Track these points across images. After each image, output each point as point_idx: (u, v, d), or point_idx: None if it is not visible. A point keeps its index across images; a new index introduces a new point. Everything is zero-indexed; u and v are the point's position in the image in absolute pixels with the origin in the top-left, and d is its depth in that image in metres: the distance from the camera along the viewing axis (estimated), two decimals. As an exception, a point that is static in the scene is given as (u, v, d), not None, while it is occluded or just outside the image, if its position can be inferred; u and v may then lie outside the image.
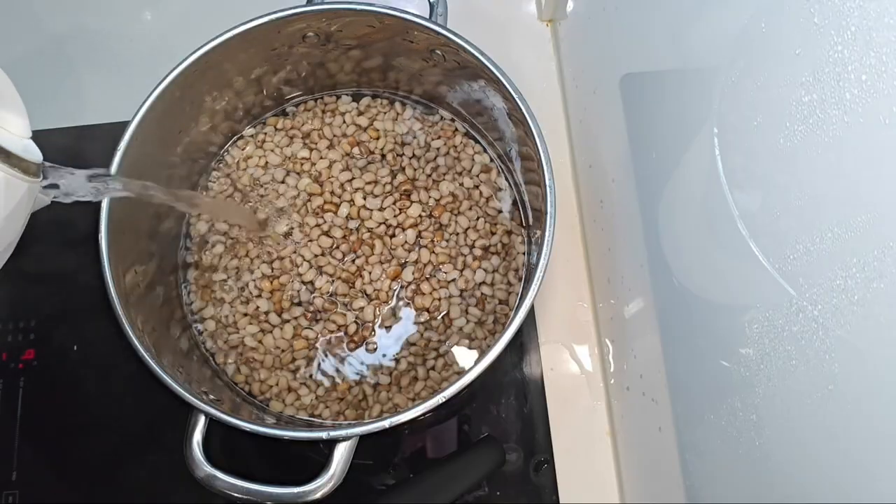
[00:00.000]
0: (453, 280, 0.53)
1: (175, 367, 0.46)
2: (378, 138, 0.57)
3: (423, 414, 0.41)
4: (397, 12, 0.47)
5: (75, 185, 0.37)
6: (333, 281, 0.53)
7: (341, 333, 0.52)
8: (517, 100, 0.46)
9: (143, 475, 0.54)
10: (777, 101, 0.28)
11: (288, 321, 0.52)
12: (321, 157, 0.56)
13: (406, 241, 0.54)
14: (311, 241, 0.54)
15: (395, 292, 0.53)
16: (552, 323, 0.57)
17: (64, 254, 0.57)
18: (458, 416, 0.54)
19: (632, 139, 0.47)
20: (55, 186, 0.36)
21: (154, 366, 0.42)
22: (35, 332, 0.56)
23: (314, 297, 0.53)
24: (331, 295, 0.53)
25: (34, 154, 0.34)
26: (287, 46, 0.51)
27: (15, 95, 0.34)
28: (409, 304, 0.53)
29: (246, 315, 0.53)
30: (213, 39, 0.47)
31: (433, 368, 0.51)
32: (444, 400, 0.41)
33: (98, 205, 0.44)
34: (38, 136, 0.35)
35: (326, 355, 0.52)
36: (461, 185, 0.55)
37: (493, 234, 0.54)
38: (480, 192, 0.55)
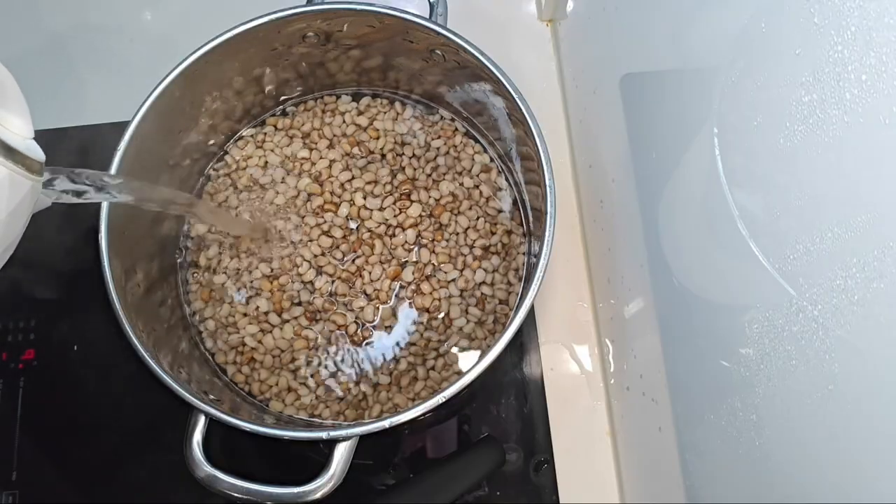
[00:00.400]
0: (453, 280, 0.53)
1: (175, 367, 0.46)
2: (378, 138, 0.57)
3: (423, 414, 0.41)
4: (397, 12, 0.47)
5: (76, 187, 0.37)
6: (333, 281, 0.53)
7: (341, 333, 0.52)
8: (517, 100, 0.46)
9: (143, 475, 0.54)
10: (777, 101, 0.28)
11: (288, 321, 0.52)
12: (321, 157, 0.56)
13: (406, 241, 0.54)
14: (311, 241, 0.54)
15: (395, 292, 0.53)
16: (552, 323, 0.57)
17: (64, 254, 0.57)
18: (458, 416, 0.54)
19: (632, 139, 0.47)
20: (55, 188, 0.36)
21: (154, 366, 0.42)
22: (35, 332, 0.56)
23: (314, 297, 0.53)
24: (331, 295, 0.53)
25: (37, 153, 0.34)
26: (287, 46, 0.51)
27: (19, 95, 0.34)
28: (409, 304, 0.53)
29: (246, 315, 0.53)
30: (213, 39, 0.47)
31: (433, 368, 0.51)
32: (444, 400, 0.41)
33: (98, 205, 0.44)
34: (38, 136, 0.35)
35: (326, 355, 0.52)
36: (461, 184, 0.55)
37: (493, 233, 0.54)
38: (480, 192, 0.55)
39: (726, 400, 0.35)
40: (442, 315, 0.53)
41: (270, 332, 0.52)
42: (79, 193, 0.37)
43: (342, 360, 0.52)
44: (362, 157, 0.56)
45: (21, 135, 0.34)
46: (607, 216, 0.54)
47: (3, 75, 0.33)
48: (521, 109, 0.46)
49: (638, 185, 0.47)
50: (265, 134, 0.57)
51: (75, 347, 0.56)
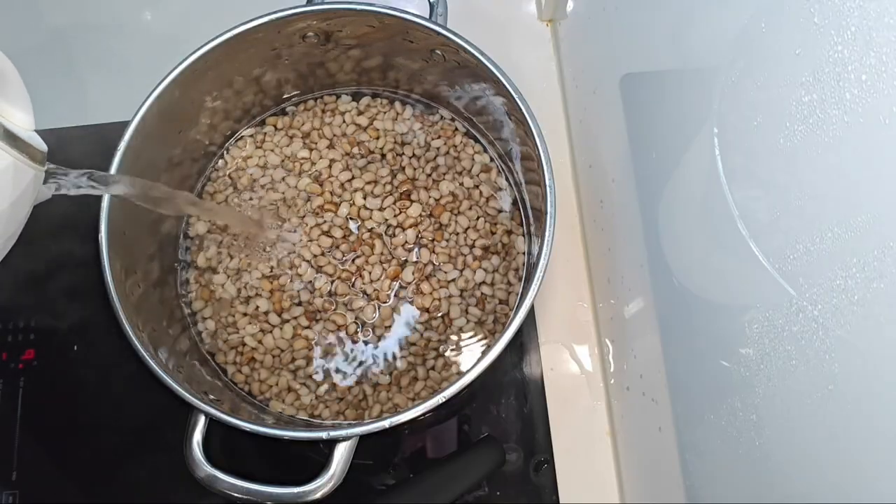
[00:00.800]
0: (453, 280, 0.53)
1: (175, 367, 0.46)
2: (378, 138, 0.57)
3: (423, 414, 0.41)
4: (397, 12, 0.47)
5: (75, 181, 0.37)
6: (333, 281, 0.53)
7: (341, 333, 0.52)
8: (517, 100, 0.46)
9: (143, 475, 0.54)
10: (777, 101, 0.28)
11: (288, 321, 0.52)
12: (321, 157, 0.56)
13: (406, 241, 0.54)
14: (311, 241, 0.54)
15: (395, 292, 0.53)
16: (552, 323, 0.57)
17: (64, 254, 0.57)
18: (458, 416, 0.54)
19: (632, 139, 0.47)
20: (56, 180, 0.36)
21: (154, 366, 0.42)
22: (35, 332, 0.56)
23: (314, 297, 0.53)
24: (331, 295, 0.53)
25: (39, 143, 0.35)
26: (287, 46, 0.51)
27: (22, 89, 0.35)
28: (409, 303, 0.53)
29: (246, 315, 0.53)
30: (213, 39, 0.47)
31: (433, 368, 0.51)
32: (444, 400, 0.41)
33: (98, 205, 0.44)
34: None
35: (326, 355, 0.52)
36: (461, 184, 0.55)
37: (493, 233, 0.54)
38: (480, 192, 0.55)
39: (726, 400, 0.35)
40: (442, 315, 0.53)
41: (270, 332, 0.52)
42: (79, 186, 0.38)
43: (342, 360, 0.52)
44: (362, 157, 0.56)
45: (24, 127, 0.34)
46: (607, 216, 0.54)
47: (7, 69, 0.34)
48: (521, 109, 0.46)
49: (638, 185, 0.47)
50: (265, 134, 0.57)
51: (75, 347, 0.56)
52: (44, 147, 0.35)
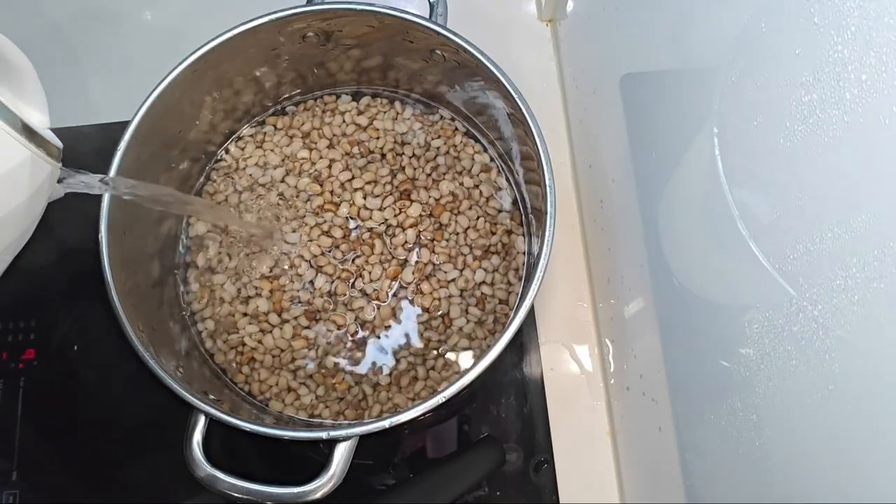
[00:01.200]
0: (453, 280, 0.53)
1: (175, 367, 0.46)
2: (378, 138, 0.57)
3: (423, 414, 0.41)
4: (397, 12, 0.48)
5: (83, 181, 0.38)
6: (333, 281, 0.53)
7: (341, 333, 0.52)
8: (517, 100, 0.46)
9: (143, 475, 0.54)
10: (777, 101, 0.28)
11: (288, 321, 0.52)
12: (321, 157, 0.56)
13: (406, 241, 0.54)
14: (310, 240, 0.54)
15: (395, 292, 0.53)
16: (552, 323, 0.57)
17: (64, 254, 0.57)
18: (458, 416, 0.54)
19: (632, 139, 0.47)
20: (68, 179, 0.37)
21: (154, 366, 0.42)
22: (35, 332, 0.56)
23: (314, 297, 0.53)
24: (330, 295, 0.53)
25: (55, 140, 0.35)
26: (287, 46, 0.51)
27: (39, 89, 0.35)
28: (409, 303, 0.53)
29: (246, 315, 0.53)
30: (213, 39, 0.47)
31: (433, 368, 0.51)
32: (444, 400, 0.41)
33: (99, 205, 0.44)
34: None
35: (326, 355, 0.52)
36: (461, 184, 0.55)
37: (493, 233, 0.54)
38: (480, 192, 0.55)
39: (726, 400, 0.35)
40: (442, 315, 0.53)
41: (270, 332, 0.52)
42: (89, 186, 0.38)
43: (342, 360, 0.52)
44: (362, 157, 0.56)
45: (39, 125, 0.35)
46: (607, 216, 0.54)
47: (26, 69, 0.34)
48: (521, 109, 0.46)
49: (638, 185, 0.47)
50: (265, 133, 0.57)
51: (75, 347, 0.56)
52: (59, 143, 0.36)
